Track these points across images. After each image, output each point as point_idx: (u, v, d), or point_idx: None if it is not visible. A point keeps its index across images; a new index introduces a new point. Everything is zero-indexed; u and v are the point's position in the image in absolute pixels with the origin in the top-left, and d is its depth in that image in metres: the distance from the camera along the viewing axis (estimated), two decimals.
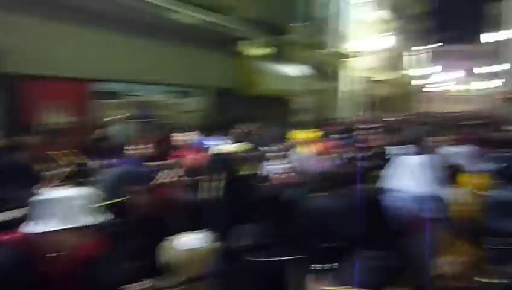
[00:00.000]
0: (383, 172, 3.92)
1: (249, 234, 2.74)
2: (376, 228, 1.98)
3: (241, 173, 3.66)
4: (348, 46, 20.76)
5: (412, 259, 2.04)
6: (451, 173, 4.96)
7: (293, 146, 6.72)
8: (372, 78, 25.54)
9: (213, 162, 3.54)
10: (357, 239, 2.05)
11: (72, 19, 7.14)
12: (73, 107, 7.49)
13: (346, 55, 20.65)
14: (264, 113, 13.26)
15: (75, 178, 4.60)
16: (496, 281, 1.94)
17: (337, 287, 1.93)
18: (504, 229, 1.97)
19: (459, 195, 4.86)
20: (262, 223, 2.73)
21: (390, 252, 1.99)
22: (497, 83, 34.46)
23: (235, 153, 4.97)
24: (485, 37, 30.12)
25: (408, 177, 3.13)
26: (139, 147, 5.91)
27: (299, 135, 6.80)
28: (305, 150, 6.46)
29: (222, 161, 3.49)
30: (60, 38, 6.98)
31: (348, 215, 2.07)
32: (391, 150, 6.43)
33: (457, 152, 4.77)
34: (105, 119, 8.15)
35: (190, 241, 2.05)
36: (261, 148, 8.23)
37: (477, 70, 49.69)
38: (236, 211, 3.15)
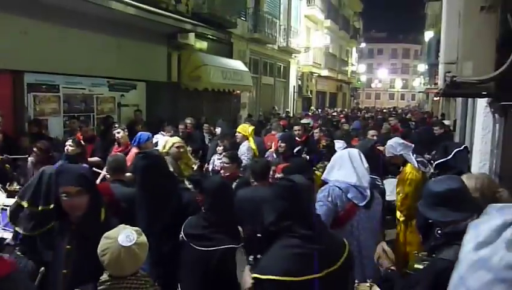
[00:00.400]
0: (325, 164, 3.97)
1: (194, 224, 2.82)
2: (303, 217, 2.04)
3: (165, 168, 3.51)
4: (296, 42, 21.08)
5: (341, 246, 2.11)
6: (392, 164, 5.23)
7: (239, 139, 6.71)
8: (318, 74, 26.22)
9: (138, 160, 3.39)
10: (282, 228, 2.06)
11: (1, 6, 6.61)
12: (2, 101, 6.97)
13: (294, 51, 20.96)
14: (209, 107, 13.17)
15: None
16: (425, 267, 2.04)
17: (261, 275, 1.94)
18: (436, 218, 2.07)
19: (399, 185, 5.12)
20: (206, 214, 2.79)
21: (316, 239, 2.02)
22: (433, 80, 36.64)
23: (169, 147, 4.80)
24: (423, 36, 31.88)
25: (347, 168, 3.21)
26: (76, 142, 5.67)
27: (245, 128, 6.78)
28: (251, 144, 6.48)
29: (147, 159, 3.35)
30: None
31: (274, 204, 2.11)
32: (334, 143, 6.63)
33: (398, 144, 5.00)
34: (37, 113, 7.67)
35: (127, 237, 1.99)
36: (208, 143, 8.21)
37: (415, 67, 52.41)
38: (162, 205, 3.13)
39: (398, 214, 4.92)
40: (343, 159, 3.27)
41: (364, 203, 3.15)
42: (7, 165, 5.15)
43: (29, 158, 5.34)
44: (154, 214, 3.08)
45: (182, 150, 4.89)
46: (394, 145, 4.86)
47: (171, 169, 4.54)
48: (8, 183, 4.59)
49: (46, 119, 7.78)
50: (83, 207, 2.34)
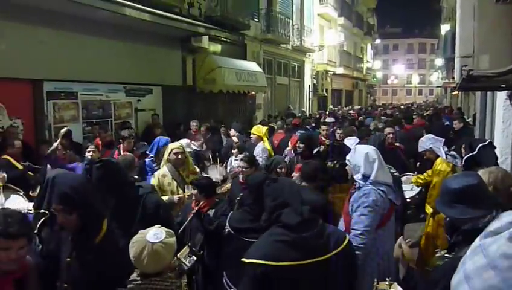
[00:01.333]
0: (328, 164, 3.93)
1: (240, 219, 3.06)
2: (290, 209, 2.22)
3: (122, 176, 3.38)
4: (310, 41, 21.01)
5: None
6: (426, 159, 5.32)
7: (254, 140, 6.72)
8: (333, 72, 26.06)
9: (94, 170, 3.30)
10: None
11: (20, 16, 6.78)
12: (23, 109, 7.15)
13: (308, 50, 20.88)
14: (225, 109, 13.23)
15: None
16: (443, 265, 2.01)
17: (245, 259, 2.13)
18: (453, 216, 2.04)
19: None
20: (251, 208, 2.99)
21: (301, 229, 2.15)
22: (451, 74, 35.95)
23: (168, 154, 4.69)
24: (439, 29, 31.37)
25: (378, 168, 3.15)
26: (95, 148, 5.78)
27: (259, 129, 6.79)
28: (266, 144, 6.48)
29: (101, 169, 3.22)
30: (3, 37, 6.58)
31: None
32: (353, 141, 6.55)
33: (427, 139, 5.14)
34: (56, 121, 7.83)
35: (154, 234, 2.07)
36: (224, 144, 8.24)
37: (432, 62, 51.62)
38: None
39: (426, 206, 4.97)
40: (372, 158, 3.19)
41: (398, 201, 3.20)
42: (30, 172, 5.27)
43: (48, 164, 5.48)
44: (119, 223, 2.93)
45: (179, 156, 4.63)
46: (424, 140, 5.24)
47: (171, 176, 4.56)
48: (31, 190, 4.71)
49: (66, 126, 7.92)
50: (72, 224, 2.28)
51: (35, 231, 3.02)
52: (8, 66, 6.59)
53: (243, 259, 2.15)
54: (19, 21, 6.81)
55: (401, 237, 2.58)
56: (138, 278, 2.05)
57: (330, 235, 2.23)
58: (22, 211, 3.37)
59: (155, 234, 2.07)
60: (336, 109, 22.63)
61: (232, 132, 8.14)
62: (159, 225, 2.21)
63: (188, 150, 6.29)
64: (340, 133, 7.56)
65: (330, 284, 2.17)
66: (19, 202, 4.31)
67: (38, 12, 6.99)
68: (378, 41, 47.40)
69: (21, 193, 4.51)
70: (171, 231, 2.18)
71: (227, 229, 3.10)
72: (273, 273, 2.07)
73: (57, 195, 2.29)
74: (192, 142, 6.93)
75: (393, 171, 4.67)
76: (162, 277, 2.07)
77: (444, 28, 25.20)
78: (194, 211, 3.74)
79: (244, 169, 4.53)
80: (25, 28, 6.92)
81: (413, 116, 12.19)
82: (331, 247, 2.17)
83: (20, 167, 5.19)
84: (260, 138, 6.57)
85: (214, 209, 3.81)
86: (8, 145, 5.39)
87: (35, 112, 7.47)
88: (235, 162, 5.93)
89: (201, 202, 3.81)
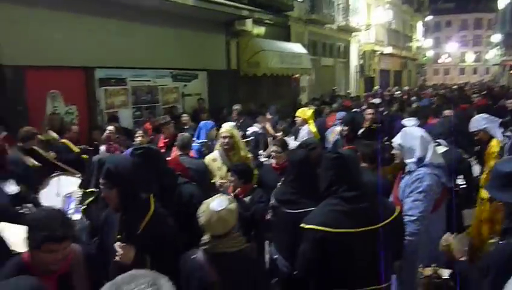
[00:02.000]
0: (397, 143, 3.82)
1: (283, 192, 3.26)
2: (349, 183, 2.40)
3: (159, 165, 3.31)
4: (356, 20, 20.38)
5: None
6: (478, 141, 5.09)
7: (299, 124, 6.69)
8: (380, 52, 25.21)
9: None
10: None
11: (73, 8, 7.08)
12: (77, 96, 7.50)
13: (354, 30, 20.29)
14: (269, 93, 13.20)
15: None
16: (494, 251, 1.93)
17: (305, 225, 2.37)
18: (506, 200, 1.94)
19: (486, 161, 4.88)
20: (292, 182, 3.19)
21: (355, 201, 2.36)
22: (510, 51, 33.63)
23: (219, 136, 4.69)
24: (496, 2, 29.34)
25: (431, 149, 3.07)
26: (144, 133, 5.97)
27: (304, 112, 6.74)
28: (311, 127, 6.43)
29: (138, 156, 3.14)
30: (58, 28, 6.90)
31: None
32: (414, 122, 6.27)
33: (482, 118, 4.86)
34: (108, 106, 8.16)
35: (218, 203, 2.29)
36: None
37: (488, 38, 48.62)
38: None
39: (481, 191, 4.73)
40: (427, 140, 3.13)
41: (451, 184, 3.19)
42: (85, 155, 5.55)
43: (100, 147, 5.75)
44: None
45: (227, 140, 4.44)
46: (479, 118, 4.90)
47: (221, 161, 4.43)
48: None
49: (116, 111, 8.25)
50: (113, 200, 2.43)
51: (83, 209, 3.27)
52: (63, 56, 6.93)
53: (302, 225, 2.38)
54: (73, 11, 7.11)
55: (448, 233, 2.51)
56: (210, 239, 2.30)
57: (382, 207, 2.42)
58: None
59: (218, 202, 2.29)
60: (381, 90, 21.91)
61: (268, 115, 8.15)
62: (221, 194, 2.46)
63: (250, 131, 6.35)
64: (374, 118, 7.21)
65: (381, 251, 2.31)
66: (77, 184, 4.57)
67: (90, 2, 7.27)
68: (429, 18, 45.05)
69: (78, 175, 4.76)
70: (231, 197, 2.42)
71: (272, 201, 3.35)
72: (330, 239, 2.30)
73: (103, 171, 2.48)
74: (255, 124, 6.97)
75: (466, 156, 4.52)
76: (230, 236, 2.31)
77: (503, 1, 23.54)
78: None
79: (277, 154, 4.31)
80: (78, 18, 7.21)
81: (474, 95, 11.56)
82: (382, 217, 2.35)
83: (77, 150, 5.50)
84: (305, 121, 6.51)
85: (250, 196, 3.82)
86: (65, 130, 5.72)
87: (88, 98, 7.81)
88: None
89: (238, 189, 3.85)
